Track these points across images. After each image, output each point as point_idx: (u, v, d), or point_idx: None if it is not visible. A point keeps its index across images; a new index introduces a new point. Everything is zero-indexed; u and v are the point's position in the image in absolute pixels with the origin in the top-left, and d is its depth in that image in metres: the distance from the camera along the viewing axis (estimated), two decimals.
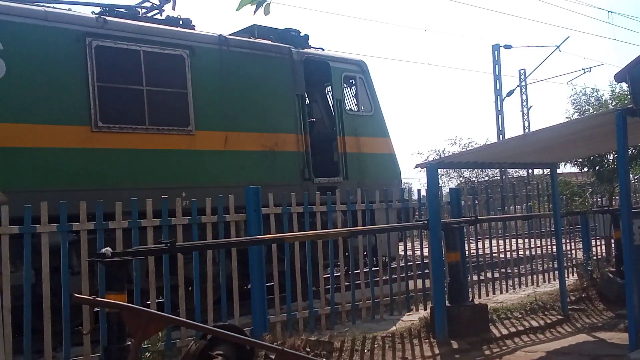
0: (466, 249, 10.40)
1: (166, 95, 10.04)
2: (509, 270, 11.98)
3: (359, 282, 9.66)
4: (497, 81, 32.98)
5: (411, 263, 10.31)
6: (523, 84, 35.23)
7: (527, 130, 33.69)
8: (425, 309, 9.72)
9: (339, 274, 10.04)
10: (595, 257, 12.59)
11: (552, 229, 11.79)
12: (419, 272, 10.23)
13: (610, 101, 13.77)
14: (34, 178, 8.63)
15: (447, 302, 8.58)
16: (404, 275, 10.18)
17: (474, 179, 38.21)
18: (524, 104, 35.44)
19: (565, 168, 15.18)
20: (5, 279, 6.35)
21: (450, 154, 32.12)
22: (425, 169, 8.73)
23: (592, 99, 14.70)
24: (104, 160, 9.32)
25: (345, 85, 13.22)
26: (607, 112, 8.27)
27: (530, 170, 30.45)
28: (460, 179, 38.56)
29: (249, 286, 8.34)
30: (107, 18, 9.80)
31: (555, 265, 11.58)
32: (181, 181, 9.92)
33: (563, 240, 11.53)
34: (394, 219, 10.20)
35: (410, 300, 10.03)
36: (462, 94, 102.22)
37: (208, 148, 10.44)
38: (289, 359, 5.81)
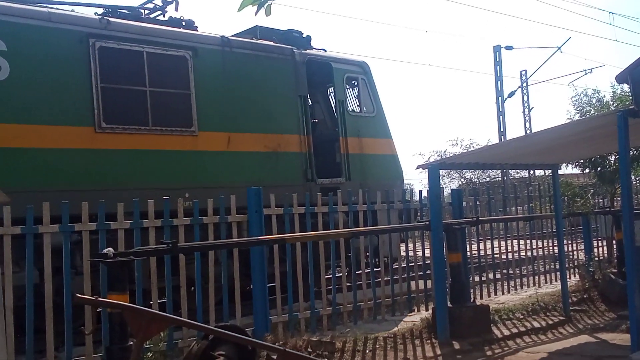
0: (468, 249, 10.41)
1: (169, 96, 10.07)
2: (511, 271, 11.98)
3: (360, 282, 9.67)
4: (499, 82, 32.95)
5: (413, 264, 10.31)
6: (524, 85, 35.20)
7: (528, 132, 33.66)
8: (426, 310, 9.73)
9: (340, 274, 10.05)
10: (596, 258, 12.59)
11: (554, 230, 11.78)
12: (421, 273, 10.24)
13: (612, 102, 13.77)
14: (37, 179, 8.65)
15: (448, 302, 8.58)
16: (405, 276, 10.19)
17: (475, 180, 38.19)
18: (526, 105, 35.42)
19: (567, 169, 15.16)
20: (7, 279, 6.36)
21: (451, 155, 32.16)
22: (426, 170, 8.73)
23: (594, 100, 14.71)
24: (108, 160, 9.34)
25: (347, 86, 13.24)
26: (609, 114, 8.26)
27: (531, 172, 30.45)
28: (462, 180, 38.53)
29: (251, 286, 8.35)
30: (111, 19, 9.83)
31: (557, 266, 11.58)
32: (184, 182, 9.93)
33: (565, 242, 11.53)
34: (396, 220, 10.21)
35: (411, 301, 10.03)
36: (464, 95, 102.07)
37: (211, 149, 10.46)
38: None
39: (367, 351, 7.81)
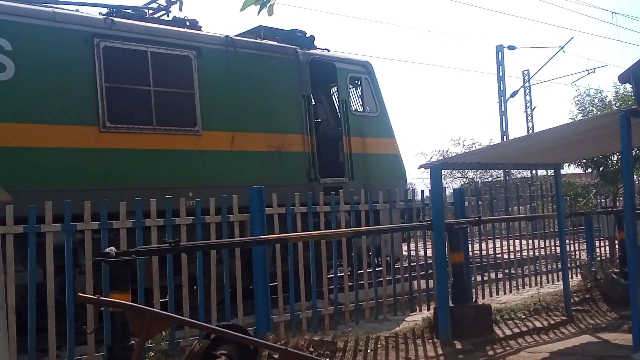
0: (470, 249, 10.40)
1: (173, 95, 10.09)
2: (513, 271, 11.98)
3: (362, 282, 9.67)
4: (501, 82, 32.97)
5: (415, 263, 10.32)
6: (527, 84, 35.23)
7: (530, 131, 33.67)
8: (428, 310, 9.73)
9: (342, 274, 10.06)
10: (599, 258, 12.59)
11: (556, 230, 11.78)
12: (423, 273, 10.25)
13: (614, 102, 13.75)
14: (42, 178, 8.68)
15: (450, 302, 8.58)
16: (407, 275, 10.19)
17: (477, 179, 38.19)
18: (528, 104, 35.46)
19: (569, 169, 15.17)
20: (10, 278, 6.38)
21: (454, 154, 32.16)
22: (429, 169, 8.74)
23: (596, 100, 14.69)
24: (112, 160, 9.37)
25: (350, 86, 13.25)
26: (611, 113, 8.26)
27: (534, 171, 30.42)
28: (464, 179, 38.55)
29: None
30: (115, 19, 9.85)
31: (559, 266, 11.56)
32: (188, 181, 9.95)
33: (567, 241, 11.52)
34: (398, 220, 10.21)
35: (413, 301, 10.04)
36: (466, 94, 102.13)
37: (215, 148, 10.48)
38: (292, 359, 5.83)
39: (369, 351, 7.82)
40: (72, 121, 9.07)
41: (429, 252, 10.24)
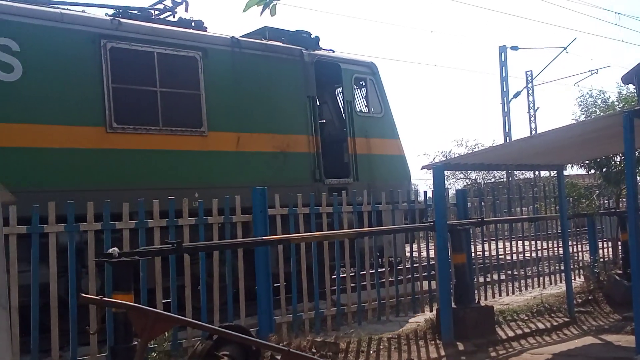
0: (472, 250, 10.39)
1: (179, 96, 10.11)
2: (515, 272, 11.96)
3: (365, 283, 9.67)
4: (504, 83, 32.91)
5: (417, 264, 10.32)
6: (530, 85, 35.16)
7: (533, 132, 33.62)
8: (431, 311, 9.73)
9: (345, 275, 10.06)
10: (602, 260, 12.58)
11: (559, 231, 11.78)
12: (425, 274, 10.24)
13: (617, 103, 13.77)
14: (48, 178, 8.71)
15: (453, 303, 8.59)
16: (410, 276, 10.19)
17: (480, 180, 38.18)
18: (531, 105, 35.38)
19: (572, 170, 15.15)
20: (13, 279, 6.39)
21: (456, 155, 32.16)
22: (431, 170, 8.74)
23: (599, 101, 14.73)
24: (118, 160, 9.39)
25: (355, 87, 13.27)
26: (614, 114, 8.25)
27: (537, 172, 30.40)
28: (467, 180, 38.56)
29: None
30: (122, 20, 9.88)
31: (562, 267, 11.56)
32: (194, 182, 9.97)
33: (570, 243, 11.52)
34: (401, 220, 10.21)
35: (416, 302, 10.03)
36: (469, 95, 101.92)
37: (220, 149, 10.50)
38: None
39: (371, 352, 7.82)
40: (79, 122, 9.09)
41: (432, 253, 10.25)
